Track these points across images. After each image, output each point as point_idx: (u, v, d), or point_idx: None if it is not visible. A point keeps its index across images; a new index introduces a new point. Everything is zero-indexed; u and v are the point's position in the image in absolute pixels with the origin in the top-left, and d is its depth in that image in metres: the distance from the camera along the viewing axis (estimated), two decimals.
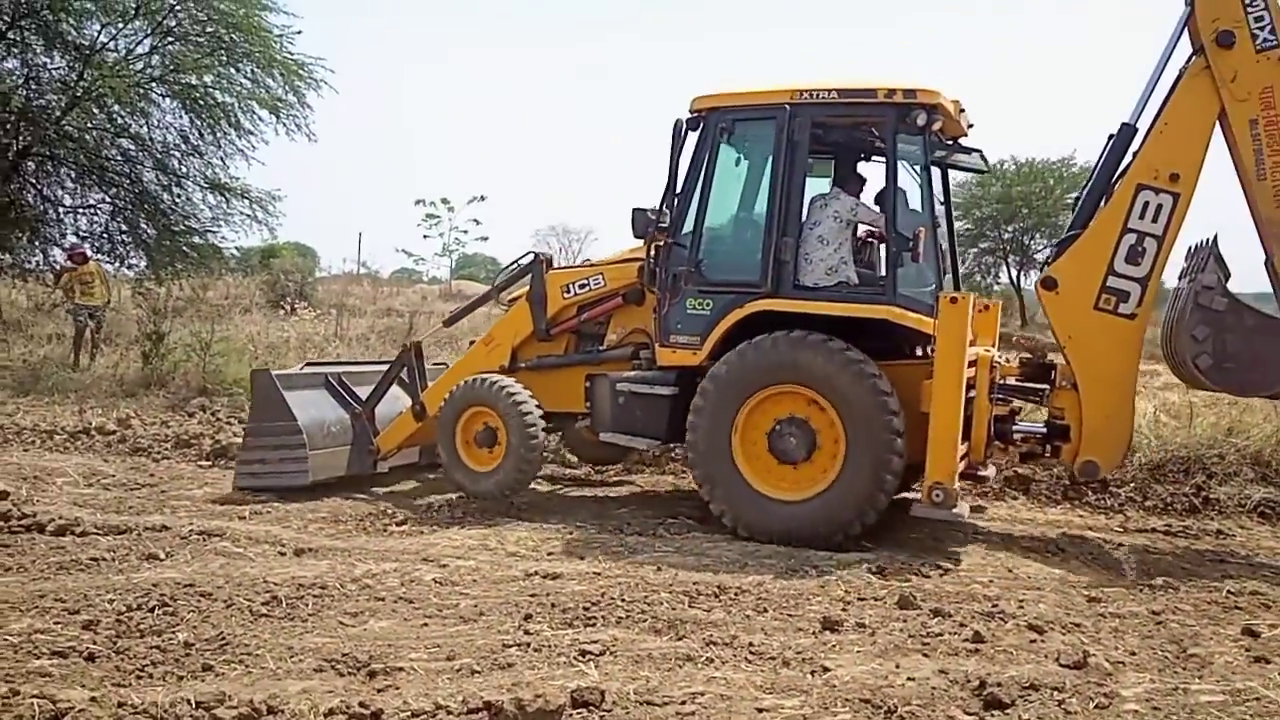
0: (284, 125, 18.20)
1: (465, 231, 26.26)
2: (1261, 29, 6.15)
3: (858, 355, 6.32)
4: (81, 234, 18.00)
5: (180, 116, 17.90)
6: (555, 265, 8.05)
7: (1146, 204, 6.36)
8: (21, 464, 8.49)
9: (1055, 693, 3.95)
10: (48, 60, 17.19)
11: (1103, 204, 6.57)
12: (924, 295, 6.51)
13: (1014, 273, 35.04)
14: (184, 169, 18.26)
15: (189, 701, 3.55)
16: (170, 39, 17.24)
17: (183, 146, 18.16)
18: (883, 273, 6.95)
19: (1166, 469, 8.15)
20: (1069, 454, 6.61)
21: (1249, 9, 6.17)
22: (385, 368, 8.48)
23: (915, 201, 6.77)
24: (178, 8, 16.85)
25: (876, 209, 6.87)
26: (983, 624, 4.81)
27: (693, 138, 6.96)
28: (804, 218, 6.80)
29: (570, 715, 3.71)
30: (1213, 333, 6.19)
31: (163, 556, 5.75)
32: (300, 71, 18.12)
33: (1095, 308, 6.44)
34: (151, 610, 4.71)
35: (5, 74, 15.94)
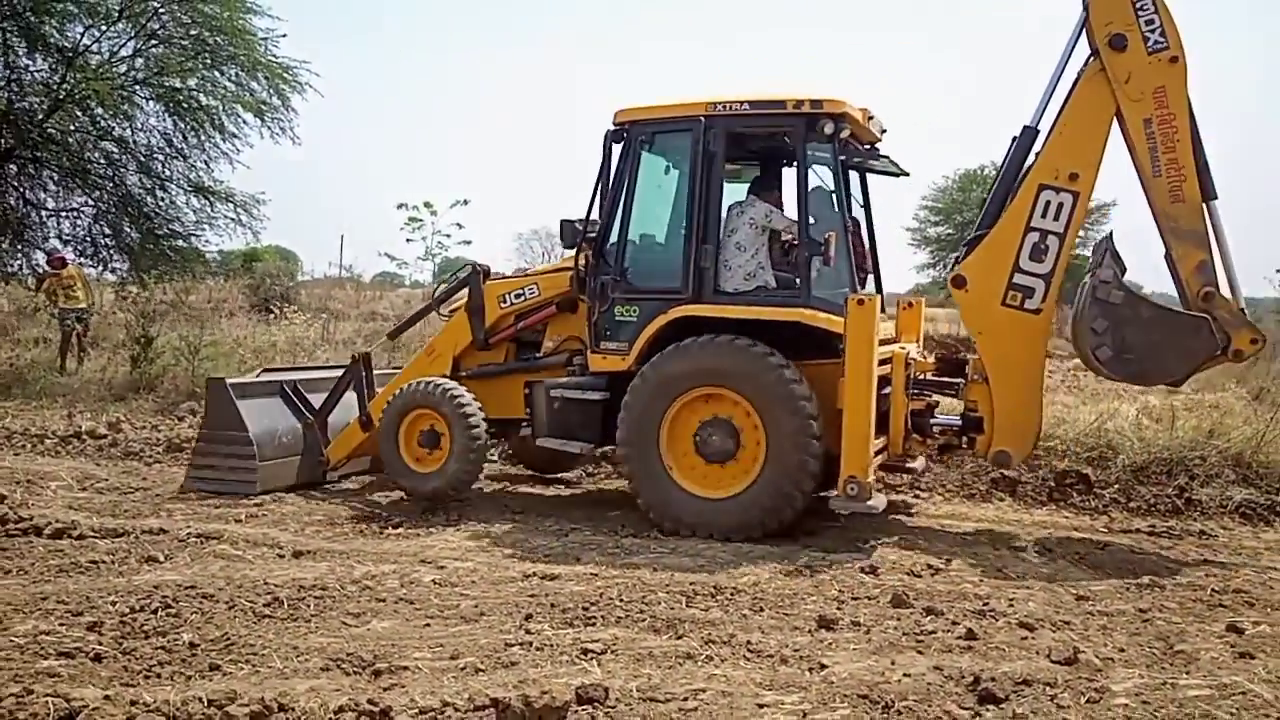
0: (268, 128, 18.17)
1: (449, 235, 26.19)
2: (1152, 31, 6.38)
3: (773, 356, 6.54)
4: (64, 238, 17.86)
5: (164, 119, 17.77)
6: (494, 275, 8.20)
7: (1048, 203, 6.60)
8: (14, 468, 8.46)
9: (1048, 688, 4.06)
10: (30, 63, 17.04)
11: (1008, 204, 6.76)
12: (839, 297, 6.65)
13: None
14: (168, 172, 18.14)
15: (201, 699, 3.60)
16: (154, 42, 17.15)
17: (166, 149, 18.04)
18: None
19: (1149, 471, 8.29)
20: (983, 445, 6.87)
21: (1140, 12, 6.38)
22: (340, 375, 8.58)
23: (832, 206, 6.97)
24: (161, 10, 16.77)
25: (790, 215, 7.09)
26: (975, 621, 4.91)
27: (617, 149, 7.18)
28: (723, 225, 7.01)
29: (576, 711, 3.78)
30: (1111, 325, 6.42)
31: (162, 559, 5.78)
32: (284, 75, 18.07)
33: (1003, 304, 6.69)
34: (155, 612, 4.75)
35: None
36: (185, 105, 17.42)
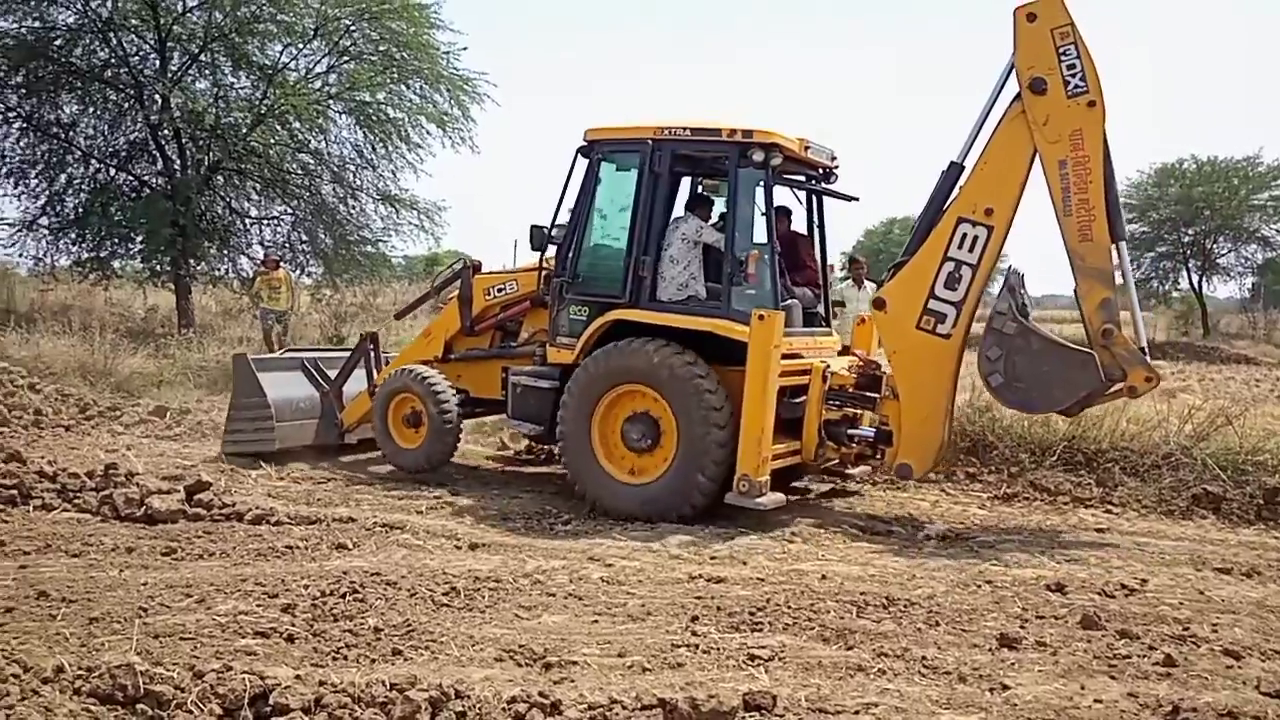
0: (449, 138, 18.98)
1: None
2: (1073, 76, 6.66)
3: (687, 358, 7.13)
4: (265, 244, 19.23)
5: (355, 132, 18.97)
6: (483, 270, 9.07)
7: (965, 235, 6.95)
8: (223, 457, 9.12)
9: None
10: (235, 80, 18.50)
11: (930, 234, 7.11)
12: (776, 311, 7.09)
13: (1194, 278, 32.99)
14: (358, 181, 19.30)
15: (384, 683, 3.75)
16: (346, 58, 18.24)
17: (357, 160, 19.21)
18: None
19: None
20: (891, 456, 7.27)
21: (1062, 57, 6.66)
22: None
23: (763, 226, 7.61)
24: (353, 28, 17.82)
25: (719, 232, 7.60)
26: (1174, 647, 4.58)
27: (583, 164, 7.87)
28: (664, 239, 7.59)
29: (743, 717, 3.73)
30: (1004, 354, 6.80)
31: (350, 546, 6.09)
32: (465, 86, 18.87)
33: (917, 327, 7.07)
34: (343, 596, 5.00)
35: (198, 95, 17.17)
36: (374, 118, 18.46)
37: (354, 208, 19.39)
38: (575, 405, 7.50)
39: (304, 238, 19.38)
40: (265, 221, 19.70)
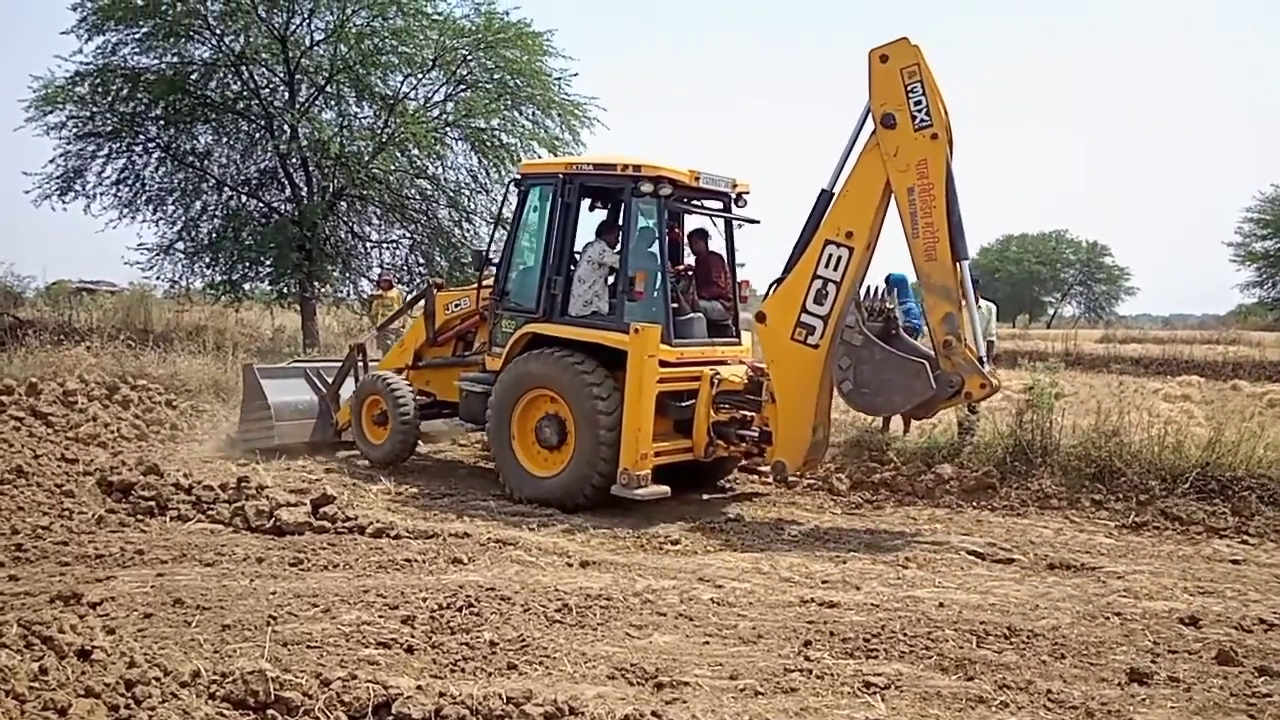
0: None
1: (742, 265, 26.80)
2: (919, 111, 7.30)
3: (583, 366, 8.07)
4: (385, 266, 19.84)
5: (470, 157, 19.42)
6: (446, 288, 10.49)
7: (830, 255, 7.68)
8: (342, 470, 9.46)
9: None
10: (358, 110, 19.19)
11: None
12: (654, 324, 8.03)
13: None
14: (473, 205, 19.74)
15: (500, 696, 3.82)
16: (463, 87, 18.75)
17: (472, 185, 19.66)
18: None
19: None
20: (770, 455, 8.08)
21: (910, 94, 7.31)
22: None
23: (661, 247, 8.51)
24: (469, 58, 18.33)
25: (617, 255, 8.50)
26: None
27: (517, 195, 9.18)
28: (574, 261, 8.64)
29: None
30: (852, 363, 7.55)
31: (466, 561, 6.23)
32: (576, 111, 19.17)
33: (791, 339, 7.85)
34: (459, 610, 5.11)
35: (324, 124, 17.88)
36: (488, 144, 18.91)
37: (468, 230, 19.86)
38: (498, 408, 8.54)
39: (421, 260, 19.94)
40: (385, 245, 20.35)
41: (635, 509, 7.96)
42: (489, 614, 5.08)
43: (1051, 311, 65.09)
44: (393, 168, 18.71)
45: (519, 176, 9.24)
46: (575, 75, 19.65)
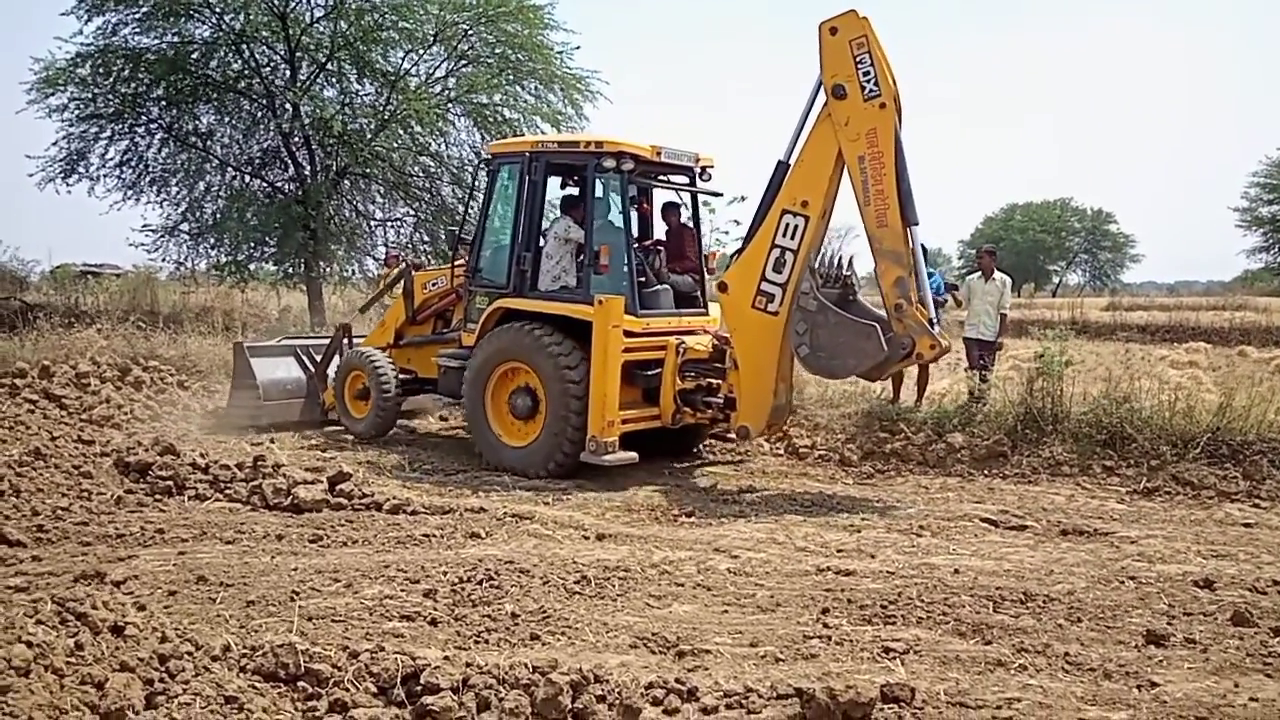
0: None
1: (726, 233, 26.57)
2: (868, 81, 7.48)
3: (552, 339, 8.27)
4: (390, 245, 19.84)
5: (472, 134, 19.34)
6: (426, 268, 10.88)
7: (788, 225, 7.90)
8: (355, 448, 9.51)
9: None
10: (360, 88, 19.10)
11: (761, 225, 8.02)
12: (618, 296, 8.18)
13: None
14: (476, 182, 19.69)
15: (526, 665, 3.86)
16: (464, 62, 18.67)
17: (475, 161, 19.59)
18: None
19: None
20: (734, 420, 8.33)
21: (859, 66, 7.48)
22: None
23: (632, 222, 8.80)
24: (470, 33, 18.22)
25: (582, 230, 8.68)
26: None
27: (487, 175, 9.41)
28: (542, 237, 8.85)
29: (881, 709, 3.70)
30: (809, 328, 7.75)
31: (483, 535, 6.28)
32: (578, 85, 19.08)
33: (751, 307, 8.05)
34: (480, 583, 5.16)
35: (326, 102, 17.81)
36: (491, 119, 18.82)
37: (473, 207, 19.80)
38: (473, 381, 8.77)
39: (425, 238, 19.92)
40: (389, 223, 20.33)
41: (610, 476, 8.21)
42: (509, 587, 5.14)
43: (1057, 280, 64.91)
44: (395, 145, 18.67)
45: (489, 156, 9.52)
46: (577, 49, 19.57)
